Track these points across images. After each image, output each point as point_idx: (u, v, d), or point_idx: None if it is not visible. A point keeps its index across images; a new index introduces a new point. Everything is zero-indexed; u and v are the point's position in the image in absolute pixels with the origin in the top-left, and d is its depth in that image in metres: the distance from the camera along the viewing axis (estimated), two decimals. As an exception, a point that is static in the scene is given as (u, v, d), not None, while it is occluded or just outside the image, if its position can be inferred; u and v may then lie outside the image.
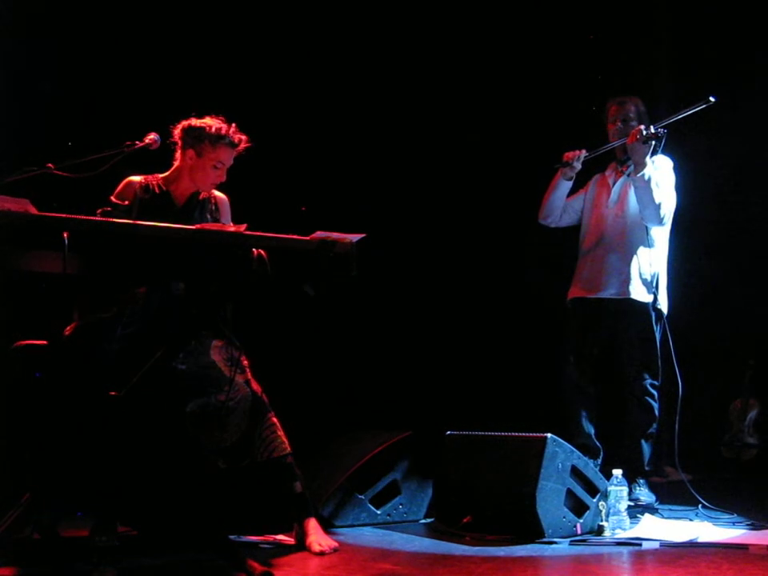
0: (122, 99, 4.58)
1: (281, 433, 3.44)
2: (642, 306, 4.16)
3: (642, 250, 4.18)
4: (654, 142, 4.01)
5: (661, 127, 4.03)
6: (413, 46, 5.19)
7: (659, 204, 4.09)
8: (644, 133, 4.01)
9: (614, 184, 4.31)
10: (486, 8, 5.20)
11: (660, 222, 4.14)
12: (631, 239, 4.20)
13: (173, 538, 3.40)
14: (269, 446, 3.40)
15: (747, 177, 5.16)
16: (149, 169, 3.60)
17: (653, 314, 4.17)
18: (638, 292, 4.16)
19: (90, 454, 3.14)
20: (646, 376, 4.16)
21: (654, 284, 4.17)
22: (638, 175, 4.07)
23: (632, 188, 4.19)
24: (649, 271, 4.17)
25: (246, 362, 3.52)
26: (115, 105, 4.57)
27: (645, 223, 4.16)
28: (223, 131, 3.52)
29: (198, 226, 3.15)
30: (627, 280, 4.17)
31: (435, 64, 5.22)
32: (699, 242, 5.06)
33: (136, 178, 3.58)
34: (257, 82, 4.89)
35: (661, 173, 4.16)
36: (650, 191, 4.06)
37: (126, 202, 3.51)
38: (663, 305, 4.19)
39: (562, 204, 4.37)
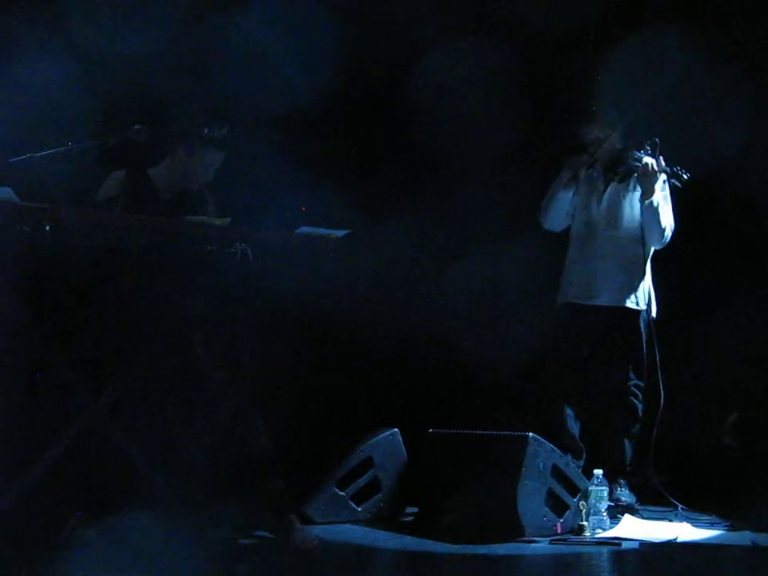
0: (114, 92, 4.55)
1: (263, 428, 3.43)
2: (635, 313, 4.20)
3: (635, 261, 4.21)
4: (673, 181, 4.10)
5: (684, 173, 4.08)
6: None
7: (664, 227, 4.16)
8: (667, 169, 4.07)
9: (603, 189, 4.31)
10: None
11: (663, 243, 4.22)
12: (626, 250, 4.23)
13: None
14: (251, 442, 3.39)
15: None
16: (134, 162, 3.58)
17: (643, 321, 4.20)
18: (632, 301, 4.20)
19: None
20: (632, 377, 4.19)
21: (647, 292, 4.20)
22: (647, 202, 4.13)
23: (626, 199, 4.22)
24: (641, 280, 4.21)
25: (231, 356, 3.50)
26: (105, 97, 4.54)
27: (649, 244, 4.22)
28: (214, 133, 3.51)
29: (183, 219, 3.14)
30: (621, 289, 4.20)
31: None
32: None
33: (121, 172, 3.56)
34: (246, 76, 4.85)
35: (664, 194, 4.20)
36: (658, 216, 4.14)
37: (112, 195, 3.49)
38: (653, 311, 4.22)
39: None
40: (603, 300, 4.22)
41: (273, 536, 3.48)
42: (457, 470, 3.74)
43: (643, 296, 4.21)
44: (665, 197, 4.21)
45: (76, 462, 3.21)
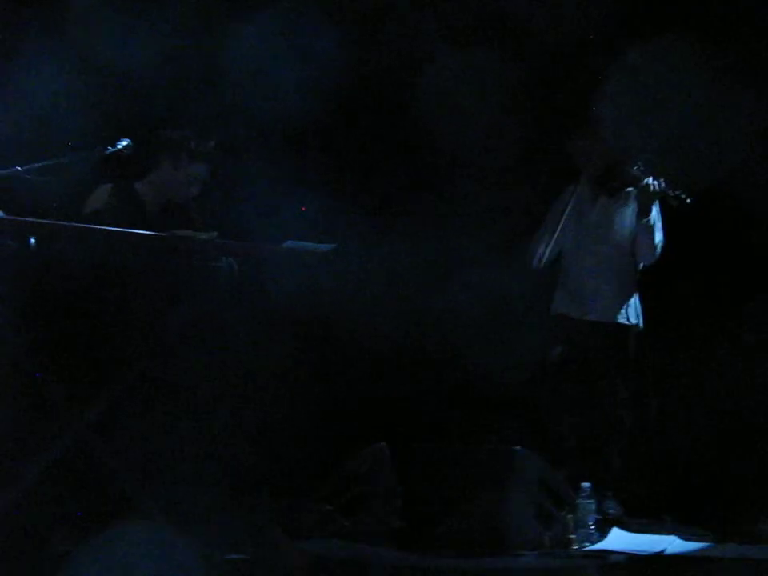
0: (98, 103, 4.55)
1: (251, 443, 3.42)
2: (626, 328, 4.22)
3: (626, 276, 4.23)
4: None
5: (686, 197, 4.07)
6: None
7: (657, 244, 4.18)
8: (669, 192, 4.05)
9: (593, 203, 4.31)
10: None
11: (654, 259, 4.23)
12: (617, 265, 4.24)
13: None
14: (237, 456, 3.38)
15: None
16: (121, 175, 3.58)
17: (634, 336, 4.22)
18: (623, 316, 4.21)
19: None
20: (622, 391, 4.19)
21: (637, 307, 4.22)
22: (644, 220, 4.13)
23: (617, 214, 4.22)
24: (632, 295, 4.23)
25: (218, 370, 3.50)
26: (90, 109, 4.54)
27: (640, 261, 4.24)
28: (202, 147, 3.51)
29: (169, 232, 3.14)
30: (613, 305, 4.21)
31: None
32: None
33: (108, 185, 3.56)
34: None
35: (656, 209, 4.21)
36: (653, 234, 4.15)
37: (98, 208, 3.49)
38: (641, 324, 4.24)
39: None
40: (595, 316, 4.22)
41: (260, 551, 3.47)
42: (444, 484, 3.73)
43: (634, 311, 4.22)
44: (657, 212, 4.21)
45: (61, 476, 3.19)
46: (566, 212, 4.25)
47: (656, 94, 4.70)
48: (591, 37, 4.91)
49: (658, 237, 4.18)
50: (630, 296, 4.23)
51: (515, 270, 4.82)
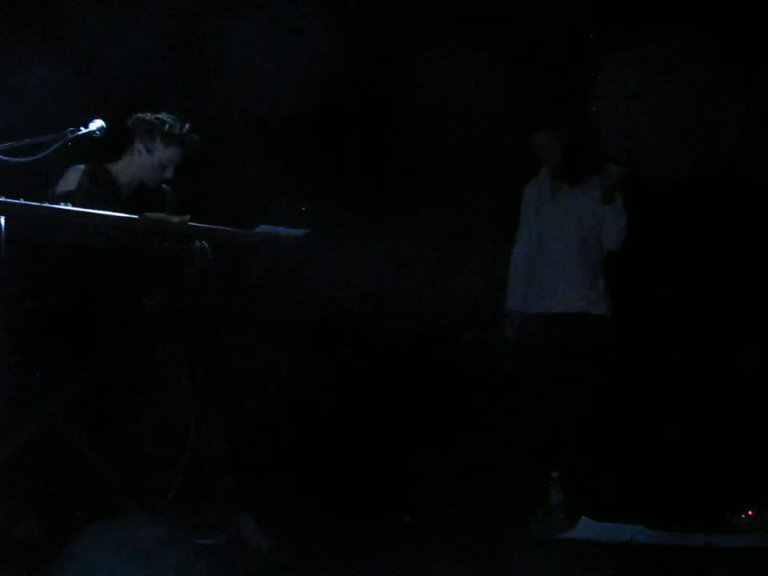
0: (74, 83, 4.51)
1: (218, 426, 3.41)
2: (595, 318, 4.21)
3: (593, 265, 4.23)
4: None
5: None
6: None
7: (621, 229, 4.20)
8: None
9: (554, 195, 4.33)
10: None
11: (618, 245, 4.25)
12: (583, 255, 4.24)
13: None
14: (206, 439, 3.36)
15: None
16: (94, 157, 3.55)
17: (605, 325, 4.23)
18: (593, 306, 4.21)
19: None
20: (591, 383, 4.20)
21: (605, 296, 4.23)
22: (609, 207, 4.18)
23: (579, 203, 4.24)
24: (600, 285, 4.23)
25: (185, 355, 3.48)
26: (66, 89, 4.50)
27: (606, 247, 4.25)
28: (177, 131, 3.49)
29: (142, 215, 3.11)
30: (581, 296, 4.21)
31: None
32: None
33: (81, 167, 3.52)
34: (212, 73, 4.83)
35: (622, 198, 4.23)
36: (618, 219, 4.18)
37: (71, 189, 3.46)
38: (609, 314, 4.25)
39: None
40: (565, 307, 4.22)
41: (228, 536, 3.46)
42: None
43: (603, 300, 4.23)
44: (622, 200, 4.23)
45: (30, 463, 3.17)
46: (527, 209, 4.35)
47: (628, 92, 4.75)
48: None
49: (623, 222, 4.20)
50: (598, 285, 4.23)
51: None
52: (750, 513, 3.86)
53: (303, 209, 4.89)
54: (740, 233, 4.62)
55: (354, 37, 4.95)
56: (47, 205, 3.01)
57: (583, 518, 3.85)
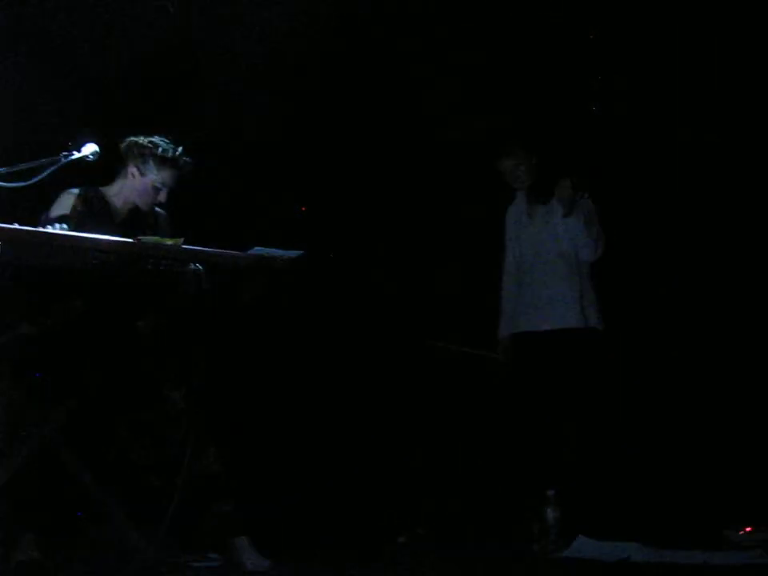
0: (64, 107, 4.53)
1: (214, 449, 3.41)
2: (585, 331, 4.21)
3: (578, 279, 4.24)
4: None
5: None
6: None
7: (593, 240, 4.20)
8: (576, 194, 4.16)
9: (529, 216, 4.36)
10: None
11: (596, 256, 4.25)
12: (566, 270, 4.25)
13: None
14: (202, 463, 3.36)
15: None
16: (86, 180, 3.56)
17: (593, 337, 4.22)
18: (581, 320, 4.20)
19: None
20: (585, 396, 4.20)
21: (594, 308, 4.23)
22: (569, 219, 4.19)
23: (554, 220, 4.25)
24: (588, 297, 4.23)
25: (182, 378, 3.48)
26: (58, 113, 4.52)
27: (582, 258, 4.25)
28: (169, 154, 3.50)
29: (136, 238, 3.12)
30: (568, 310, 4.20)
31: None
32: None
33: (75, 190, 3.54)
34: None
35: (590, 208, 4.24)
36: (585, 230, 4.18)
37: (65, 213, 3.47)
38: (600, 325, 4.25)
39: None
40: (551, 324, 4.21)
41: (224, 558, 3.46)
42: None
43: (593, 313, 4.22)
44: (590, 210, 4.23)
45: (26, 484, 3.17)
46: (509, 233, 4.40)
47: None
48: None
49: (592, 233, 4.19)
50: (585, 298, 4.23)
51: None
52: (747, 530, 3.85)
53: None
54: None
55: (347, 55, 4.97)
56: (41, 229, 3.03)
57: (579, 536, 3.85)
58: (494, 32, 4.82)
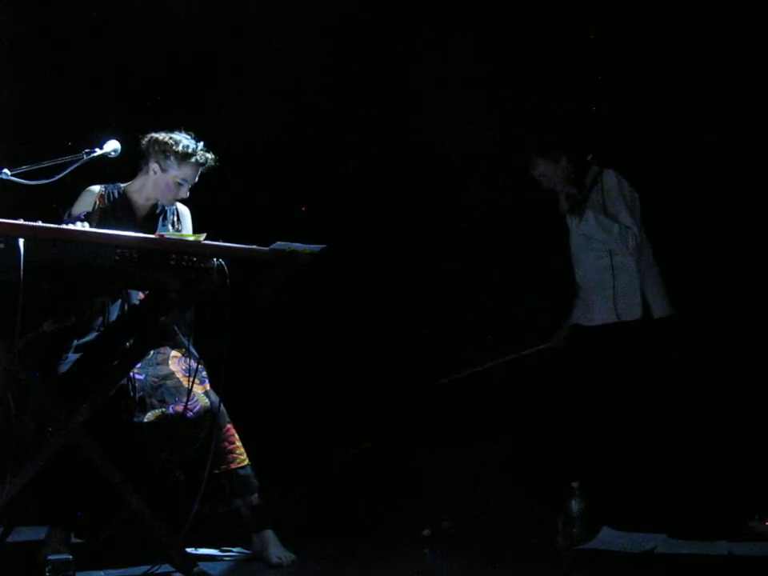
0: (86, 105, 4.54)
1: (239, 444, 3.42)
2: (634, 325, 4.17)
3: (626, 273, 4.21)
4: None
5: None
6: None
7: (620, 230, 4.17)
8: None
9: (575, 215, 4.35)
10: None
11: (628, 247, 4.20)
12: (603, 264, 4.25)
13: (129, 550, 3.38)
14: (227, 457, 3.38)
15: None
16: (107, 177, 3.58)
17: (639, 330, 4.18)
18: (628, 313, 4.18)
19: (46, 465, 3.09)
20: (633, 387, 4.19)
21: (639, 297, 4.20)
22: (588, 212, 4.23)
23: (592, 215, 4.24)
24: (635, 290, 4.20)
25: (204, 373, 3.49)
26: (78, 111, 4.54)
27: (614, 252, 4.23)
28: (190, 149, 3.50)
29: (158, 234, 3.13)
30: (615, 305, 4.19)
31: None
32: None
33: (96, 187, 3.55)
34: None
35: (610, 199, 4.22)
36: (608, 222, 4.17)
37: (87, 211, 3.49)
38: (658, 312, 4.20)
39: None
40: (600, 319, 4.23)
41: (250, 552, 3.47)
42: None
43: (637, 304, 4.18)
44: (617, 199, 4.22)
45: (52, 479, 3.19)
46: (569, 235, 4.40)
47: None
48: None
49: (618, 224, 4.16)
50: (634, 291, 4.20)
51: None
52: (773, 520, 3.83)
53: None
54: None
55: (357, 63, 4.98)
56: (64, 226, 3.04)
57: (604, 527, 3.84)
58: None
